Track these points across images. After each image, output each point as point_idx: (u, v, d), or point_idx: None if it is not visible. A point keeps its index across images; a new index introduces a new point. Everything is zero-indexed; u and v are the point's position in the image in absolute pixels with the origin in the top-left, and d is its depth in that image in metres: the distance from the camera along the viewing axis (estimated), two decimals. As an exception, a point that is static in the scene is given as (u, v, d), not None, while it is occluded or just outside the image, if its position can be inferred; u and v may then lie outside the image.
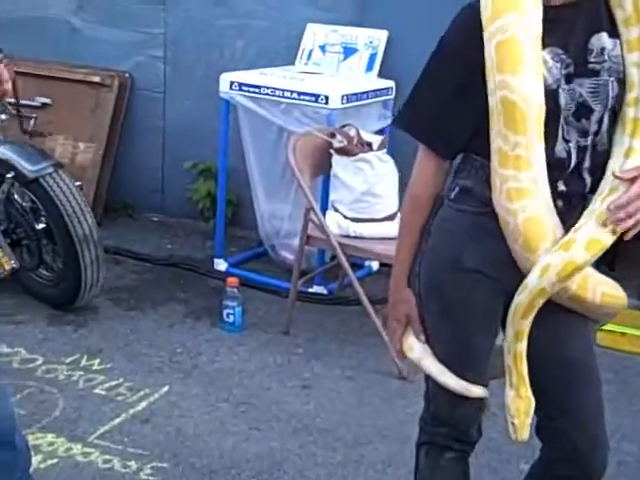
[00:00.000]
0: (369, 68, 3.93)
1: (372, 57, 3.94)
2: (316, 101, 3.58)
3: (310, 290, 3.76)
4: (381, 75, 3.93)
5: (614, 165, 1.60)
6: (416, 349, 1.79)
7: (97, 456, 2.58)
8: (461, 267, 1.69)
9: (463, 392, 1.76)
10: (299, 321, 3.50)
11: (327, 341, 3.42)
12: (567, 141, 1.61)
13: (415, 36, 3.88)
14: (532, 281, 1.59)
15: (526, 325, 1.64)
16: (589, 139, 1.62)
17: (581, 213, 1.61)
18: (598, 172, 1.63)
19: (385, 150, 3.35)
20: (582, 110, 1.60)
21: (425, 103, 1.68)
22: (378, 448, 2.72)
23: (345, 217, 3.29)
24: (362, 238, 3.27)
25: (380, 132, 3.81)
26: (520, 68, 1.54)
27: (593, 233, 1.56)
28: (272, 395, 3.00)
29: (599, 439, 1.77)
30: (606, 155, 1.64)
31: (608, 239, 1.56)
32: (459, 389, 1.76)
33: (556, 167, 1.60)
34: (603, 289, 1.66)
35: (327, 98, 3.55)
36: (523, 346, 1.65)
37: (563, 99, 1.59)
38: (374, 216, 3.28)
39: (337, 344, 3.40)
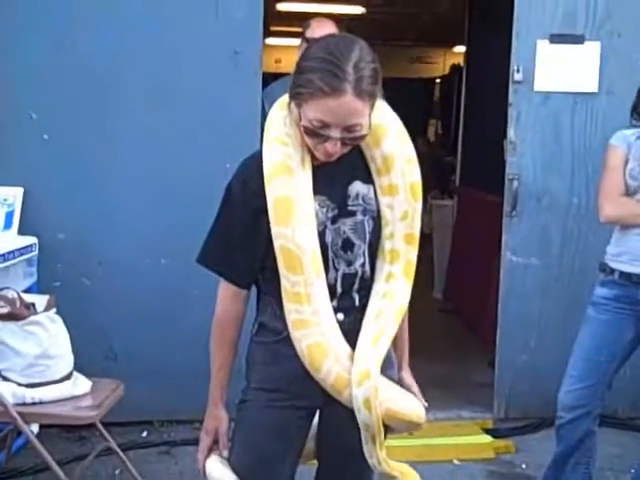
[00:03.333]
0: (7, 226, 3.81)
1: (9, 215, 3.83)
2: (-38, 267, 3.37)
3: (-25, 469, 3.44)
4: (21, 232, 3.83)
5: (377, 287, 1.94)
6: (217, 470, 1.97)
7: None
8: (262, 388, 1.97)
9: None
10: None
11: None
12: (337, 270, 1.90)
13: (51, 190, 3.91)
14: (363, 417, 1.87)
15: (383, 441, 1.91)
16: (354, 268, 1.92)
17: (360, 323, 1.91)
18: (364, 292, 1.95)
19: (54, 310, 3.25)
20: (346, 244, 1.92)
21: (217, 241, 1.96)
22: None
23: (19, 384, 3.10)
24: (41, 403, 3.11)
25: (27, 291, 3.69)
26: (292, 221, 1.82)
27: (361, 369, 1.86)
28: None
29: None
30: (368, 280, 1.95)
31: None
32: None
33: (329, 290, 1.89)
34: (387, 405, 1.91)
35: (-24, 263, 3.37)
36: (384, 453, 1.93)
37: (330, 237, 1.90)
38: (51, 378, 3.14)
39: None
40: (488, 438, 4.02)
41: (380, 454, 1.91)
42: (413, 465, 3.57)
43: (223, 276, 1.98)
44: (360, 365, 1.85)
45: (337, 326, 1.89)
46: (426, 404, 2.03)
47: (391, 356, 2.02)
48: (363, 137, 1.83)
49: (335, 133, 1.77)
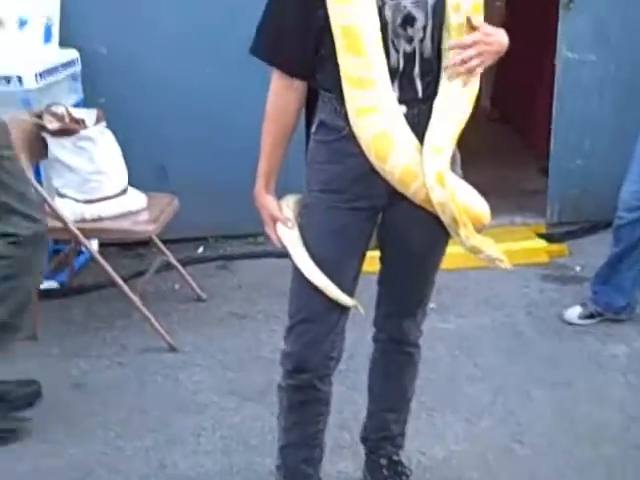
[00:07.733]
0: (47, 39, 3.68)
1: (48, 28, 3.69)
2: (8, 83, 3.30)
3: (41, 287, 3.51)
4: (61, 45, 3.72)
5: (445, 65, 1.80)
6: (288, 237, 1.97)
7: None
8: (324, 189, 1.91)
9: (321, 285, 1.92)
10: (41, 322, 3.25)
11: (80, 334, 3.25)
12: (397, 50, 1.79)
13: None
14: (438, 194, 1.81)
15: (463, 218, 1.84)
16: (414, 46, 1.80)
17: (428, 115, 1.82)
18: (427, 77, 1.83)
19: (104, 124, 3.20)
20: (407, 20, 1.78)
21: (268, 29, 1.85)
22: (178, 424, 2.70)
23: (77, 201, 3.11)
24: (99, 219, 3.13)
25: (74, 106, 3.63)
26: None
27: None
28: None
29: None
30: (431, 62, 1.82)
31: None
32: (320, 284, 1.91)
33: (390, 74, 1.79)
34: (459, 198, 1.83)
35: (21, 79, 3.29)
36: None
37: (390, 13, 1.77)
38: (107, 194, 3.14)
39: (92, 334, 3.25)
40: (542, 242, 4.01)
41: (465, 230, 1.84)
42: (467, 270, 3.59)
43: (274, 64, 1.87)
44: (432, 142, 1.79)
45: (402, 114, 1.81)
46: None
47: (455, 153, 1.94)
48: None
49: None
